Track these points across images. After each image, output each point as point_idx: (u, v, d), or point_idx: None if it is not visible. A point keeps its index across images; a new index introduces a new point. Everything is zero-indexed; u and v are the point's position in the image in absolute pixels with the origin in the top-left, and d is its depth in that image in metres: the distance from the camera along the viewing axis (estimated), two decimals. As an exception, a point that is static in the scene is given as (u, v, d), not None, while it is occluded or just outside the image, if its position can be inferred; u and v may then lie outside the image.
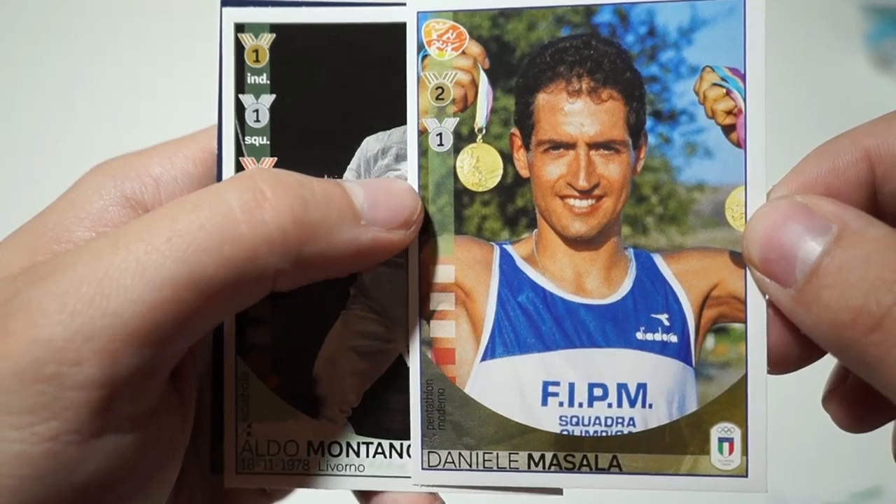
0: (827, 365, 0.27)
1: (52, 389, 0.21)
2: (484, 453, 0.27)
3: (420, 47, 0.27)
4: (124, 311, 0.21)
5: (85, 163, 0.30)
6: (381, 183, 0.26)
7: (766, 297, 0.26)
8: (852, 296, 0.22)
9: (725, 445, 0.26)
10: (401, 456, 0.28)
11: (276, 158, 0.28)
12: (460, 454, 0.28)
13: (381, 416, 0.28)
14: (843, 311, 0.22)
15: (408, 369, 0.28)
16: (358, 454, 0.28)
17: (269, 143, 0.28)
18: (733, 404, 0.26)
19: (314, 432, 0.28)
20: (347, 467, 0.28)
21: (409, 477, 0.28)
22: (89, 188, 0.27)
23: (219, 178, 0.28)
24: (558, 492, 0.28)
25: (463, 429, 0.28)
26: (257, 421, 0.28)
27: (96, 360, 0.21)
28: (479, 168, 0.27)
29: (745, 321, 0.26)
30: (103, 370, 0.21)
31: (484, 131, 0.27)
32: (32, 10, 0.77)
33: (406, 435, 0.28)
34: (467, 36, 0.27)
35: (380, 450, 0.28)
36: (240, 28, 0.28)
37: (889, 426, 0.29)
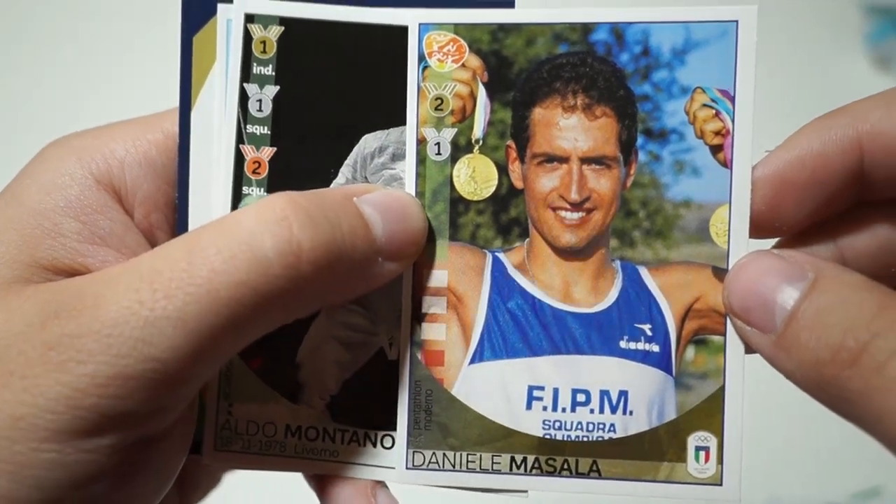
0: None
1: (92, 416, 0.22)
2: (468, 454, 0.28)
3: (421, 58, 0.28)
4: (167, 358, 0.22)
5: (39, 137, 0.29)
6: (396, 208, 0.27)
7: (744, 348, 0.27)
8: (831, 335, 0.23)
9: (702, 454, 0.27)
10: (374, 445, 0.29)
11: (275, 148, 0.29)
12: (444, 455, 0.28)
13: (358, 405, 0.29)
14: (822, 350, 0.23)
15: (387, 363, 0.29)
16: (333, 440, 0.29)
17: (269, 133, 0.29)
18: (710, 414, 0.27)
19: (293, 416, 0.29)
20: (322, 452, 0.29)
21: (380, 465, 0.29)
22: (58, 171, 0.27)
23: (181, 159, 0.28)
24: (523, 492, 0.29)
25: (448, 430, 0.28)
26: (238, 401, 0.29)
27: (137, 397, 0.22)
28: (475, 178, 0.28)
29: (724, 334, 0.27)
30: (141, 406, 0.22)
31: (481, 142, 0.28)
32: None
33: (380, 425, 0.29)
34: (467, 49, 0.28)
35: (354, 438, 0.29)
36: (249, 18, 0.29)
37: None
